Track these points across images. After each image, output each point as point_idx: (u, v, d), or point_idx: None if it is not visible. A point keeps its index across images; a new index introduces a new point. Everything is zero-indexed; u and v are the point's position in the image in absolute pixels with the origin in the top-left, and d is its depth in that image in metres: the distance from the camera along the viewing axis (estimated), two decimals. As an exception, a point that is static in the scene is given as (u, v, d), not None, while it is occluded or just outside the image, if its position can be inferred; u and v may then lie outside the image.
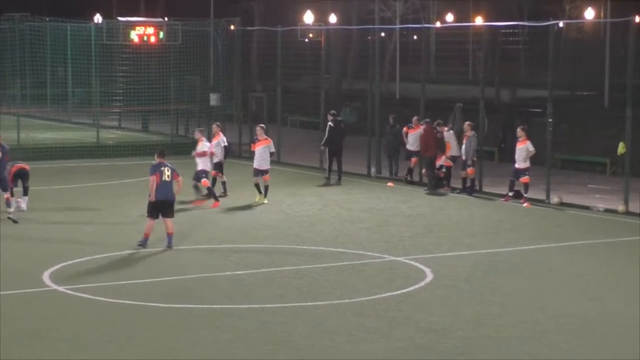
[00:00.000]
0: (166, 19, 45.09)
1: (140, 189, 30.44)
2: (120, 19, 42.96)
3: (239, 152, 38.18)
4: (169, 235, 21.51)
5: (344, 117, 40.42)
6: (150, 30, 39.77)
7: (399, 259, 20.96)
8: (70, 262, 20.09)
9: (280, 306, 17.02)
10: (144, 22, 41.35)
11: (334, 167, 32.10)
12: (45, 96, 51.46)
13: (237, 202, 27.83)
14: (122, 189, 30.73)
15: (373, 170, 33.91)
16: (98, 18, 66.13)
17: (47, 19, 46.38)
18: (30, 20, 43.06)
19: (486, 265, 20.48)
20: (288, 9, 70.13)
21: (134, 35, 39.51)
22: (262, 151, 27.96)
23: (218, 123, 30.89)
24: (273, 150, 28.87)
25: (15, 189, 25.57)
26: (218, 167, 28.43)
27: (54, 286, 18.10)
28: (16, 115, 39.40)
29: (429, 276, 19.29)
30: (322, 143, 32.32)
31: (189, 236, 22.94)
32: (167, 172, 21.35)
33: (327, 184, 31.67)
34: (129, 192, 29.93)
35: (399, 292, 18.06)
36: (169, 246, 21.45)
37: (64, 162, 36.96)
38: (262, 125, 29.27)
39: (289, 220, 25.54)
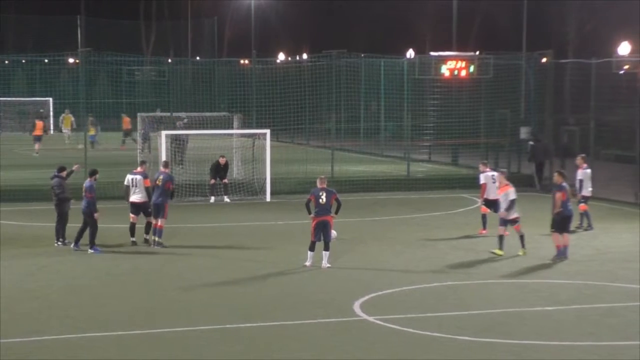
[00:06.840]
0: (478, 52, 45.22)
1: (449, 221, 30.57)
2: (432, 53, 43.53)
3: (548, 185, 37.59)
4: (564, 248, 24.14)
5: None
6: (461, 64, 40.08)
7: None
8: (380, 292, 20.41)
9: (592, 344, 16.50)
10: (455, 56, 41.65)
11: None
12: (358, 130, 53.03)
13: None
14: (431, 222, 30.89)
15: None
16: (410, 53, 67.52)
17: (362, 55, 47.74)
18: (346, 56, 44.41)
19: None
20: (603, 41, 68.41)
21: (445, 70, 39.96)
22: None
23: (583, 155, 30.03)
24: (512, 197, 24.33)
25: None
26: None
27: (364, 316, 18.43)
28: (330, 149, 40.61)
29: None
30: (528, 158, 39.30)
31: (495, 269, 22.76)
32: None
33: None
34: (439, 225, 30.07)
35: None
36: (564, 257, 24.02)
37: (375, 194, 37.69)
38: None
39: (601, 257, 24.78)
